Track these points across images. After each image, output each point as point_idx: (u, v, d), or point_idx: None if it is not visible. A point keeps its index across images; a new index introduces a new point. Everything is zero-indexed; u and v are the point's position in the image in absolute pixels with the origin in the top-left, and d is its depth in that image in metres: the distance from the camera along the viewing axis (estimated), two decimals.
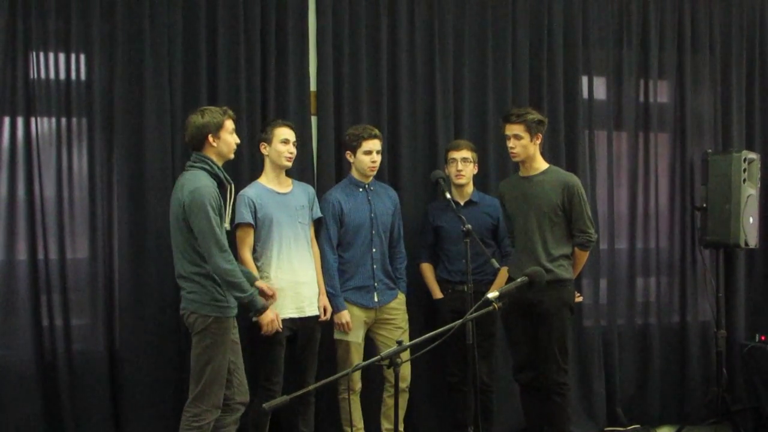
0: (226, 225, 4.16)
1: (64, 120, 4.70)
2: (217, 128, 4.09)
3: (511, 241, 4.89)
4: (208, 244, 3.96)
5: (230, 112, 4.20)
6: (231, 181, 4.21)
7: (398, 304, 4.88)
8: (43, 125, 4.67)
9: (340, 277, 4.72)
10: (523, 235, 4.67)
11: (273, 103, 5.00)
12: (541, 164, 4.72)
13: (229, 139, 4.15)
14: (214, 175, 4.08)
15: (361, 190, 4.81)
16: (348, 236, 4.75)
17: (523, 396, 4.85)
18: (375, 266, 4.77)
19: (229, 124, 4.16)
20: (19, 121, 4.63)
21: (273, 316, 4.29)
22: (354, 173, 4.82)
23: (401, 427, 4.70)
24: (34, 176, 4.63)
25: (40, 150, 4.64)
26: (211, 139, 4.09)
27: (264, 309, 4.14)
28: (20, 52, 4.60)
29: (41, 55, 4.64)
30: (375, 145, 4.73)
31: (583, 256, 4.76)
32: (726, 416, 5.49)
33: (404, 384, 4.79)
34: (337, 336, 4.75)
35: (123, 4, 4.74)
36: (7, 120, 4.61)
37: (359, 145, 4.71)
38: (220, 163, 4.13)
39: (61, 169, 4.69)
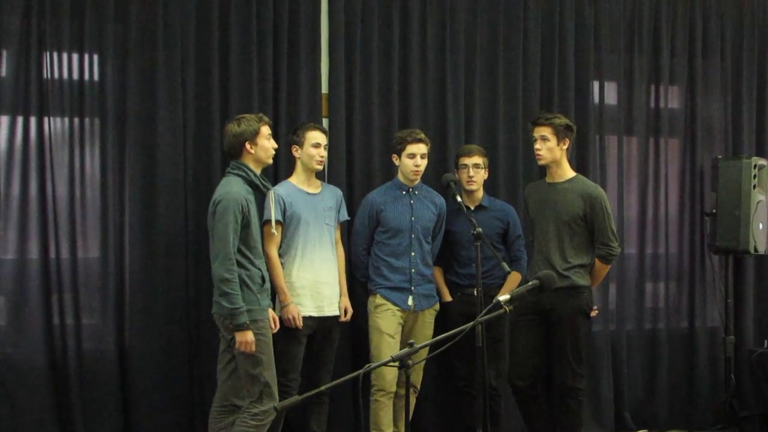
0: (274, 231, 4.35)
1: (76, 120, 4.72)
2: (254, 135, 4.14)
3: (530, 243, 4.88)
4: (217, 248, 4.01)
5: (266, 119, 4.26)
6: (270, 187, 4.27)
7: (430, 316, 4.82)
8: (56, 125, 4.68)
9: (377, 276, 4.71)
10: (542, 241, 4.68)
11: (285, 104, 5.01)
12: (568, 172, 4.70)
13: (266, 145, 4.20)
14: (250, 182, 4.12)
15: (404, 193, 4.79)
16: (386, 237, 4.73)
17: (520, 403, 4.83)
18: (413, 270, 4.73)
19: (265, 130, 4.21)
20: (32, 120, 4.65)
21: (251, 338, 4.03)
22: (399, 176, 4.81)
23: (402, 429, 4.72)
24: (47, 176, 4.65)
25: (52, 150, 4.66)
26: (248, 146, 4.14)
27: (240, 328, 3.98)
28: (34, 52, 4.61)
29: (55, 55, 4.66)
30: (419, 149, 4.68)
31: (604, 269, 4.75)
32: (734, 422, 5.50)
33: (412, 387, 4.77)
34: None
35: (137, 5, 4.75)
36: (20, 119, 4.63)
37: (403, 149, 4.69)
38: (258, 170, 4.18)
39: (73, 168, 4.71)
